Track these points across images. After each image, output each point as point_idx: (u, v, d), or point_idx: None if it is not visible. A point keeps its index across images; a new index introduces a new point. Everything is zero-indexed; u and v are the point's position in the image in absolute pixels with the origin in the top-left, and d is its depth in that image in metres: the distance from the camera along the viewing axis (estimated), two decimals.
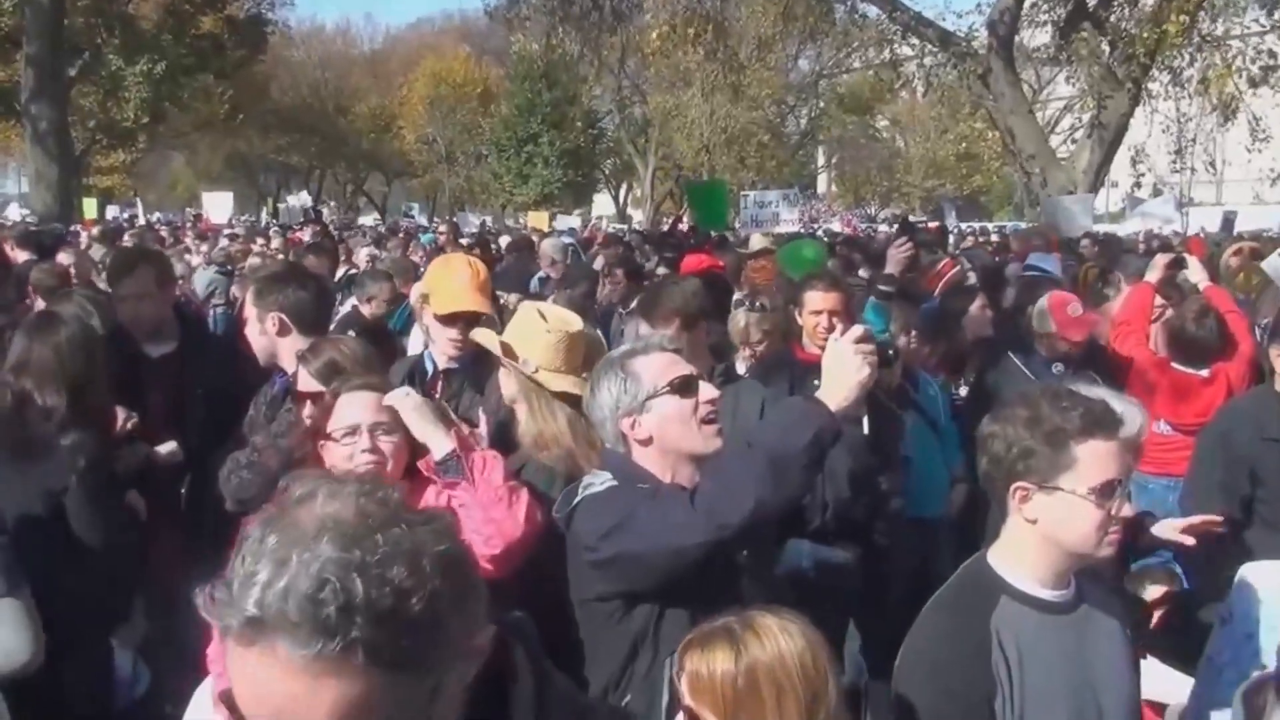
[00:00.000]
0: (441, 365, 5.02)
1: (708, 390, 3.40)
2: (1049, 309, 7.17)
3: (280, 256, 14.05)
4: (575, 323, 4.21)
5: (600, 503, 3.25)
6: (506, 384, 4.15)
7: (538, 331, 4.09)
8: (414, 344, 6.93)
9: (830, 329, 5.77)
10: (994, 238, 29.29)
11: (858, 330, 3.20)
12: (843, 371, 3.14)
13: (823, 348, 5.64)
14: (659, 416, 3.32)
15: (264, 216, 38.00)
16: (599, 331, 7.46)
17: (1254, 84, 26.93)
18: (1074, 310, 7.18)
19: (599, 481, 3.32)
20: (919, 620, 3.01)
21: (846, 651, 5.99)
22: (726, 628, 2.55)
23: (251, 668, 1.34)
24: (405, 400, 3.63)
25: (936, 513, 6.32)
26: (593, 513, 3.25)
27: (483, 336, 4.38)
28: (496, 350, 4.14)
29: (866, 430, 3.35)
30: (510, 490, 3.54)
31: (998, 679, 2.77)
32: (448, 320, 4.86)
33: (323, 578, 1.31)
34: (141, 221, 30.12)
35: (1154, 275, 7.43)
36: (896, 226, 8.40)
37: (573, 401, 3.90)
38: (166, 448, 4.69)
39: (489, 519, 3.44)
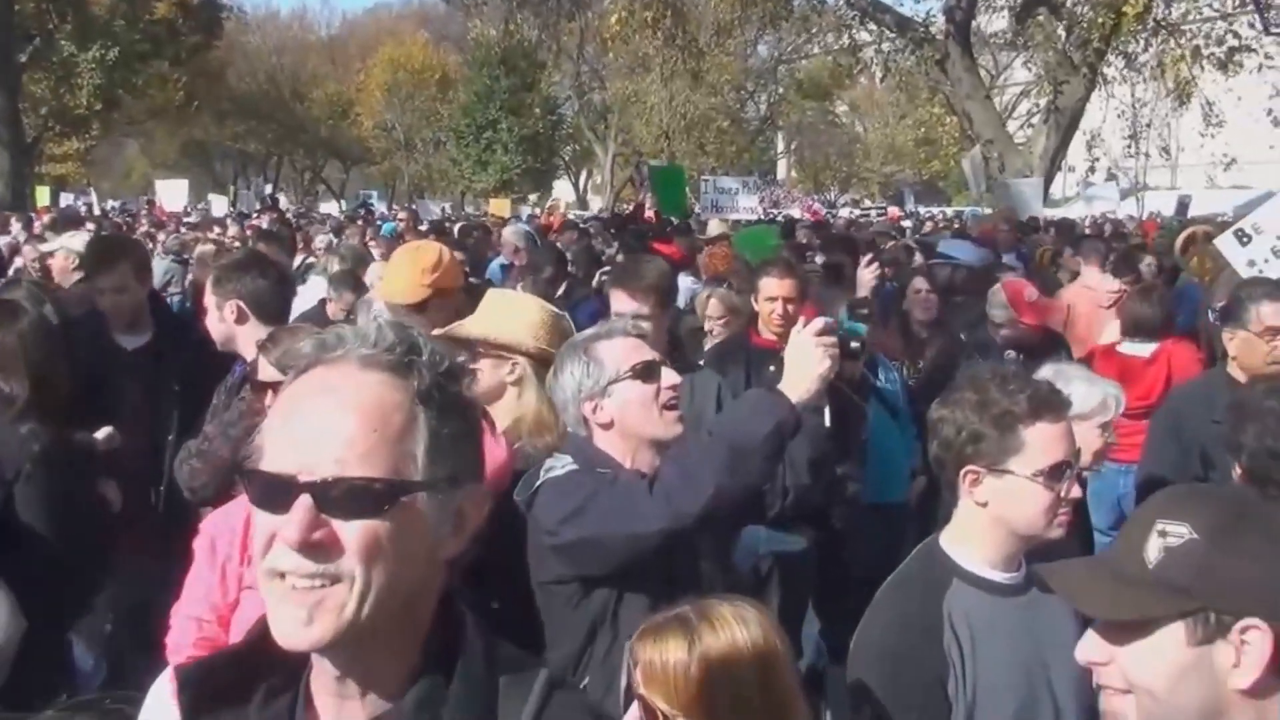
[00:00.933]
0: None
1: (670, 376, 3.42)
2: (1006, 297, 7.25)
3: (237, 245, 13.93)
4: (544, 302, 4.23)
5: (560, 487, 3.28)
6: (492, 377, 4.00)
7: (528, 312, 4.08)
8: None
9: (785, 316, 5.82)
10: (955, 224, 29.37)
11: (819, 323, 3.24)
12: (804, 363, 3.19)
13: (777, 334, 5.77)
14: (621, 401, 3.35)
15: (225, 204, 37.33)
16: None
17: (1222, 66, 27.16)
18: (1030, 295, 7.29)
19: (560, 465, 3.35)
20: (873, 603, 3.05)
21: (806, 635, 6.06)
22: (681, 616, 2.54)
23: (318, 379, 1.53)
24: None
25: (898, 498, 6.39)
26: (553, 497, 3.27)
27: (465, 330, 4.18)
28: (494, 336, 4.01)
29: (828, 421, 3.37)
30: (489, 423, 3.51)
31: (950, 660, 2.80)
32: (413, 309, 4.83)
33: (391, 333, 1.56)
34: (96, 210, 29.72)
35: None
36: (868, 257, 8.37)
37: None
38: (103, 433, 4.65)
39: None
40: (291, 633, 1.48)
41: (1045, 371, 3.75)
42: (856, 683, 2.92)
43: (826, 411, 3.34)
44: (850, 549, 5.80)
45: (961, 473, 2.90)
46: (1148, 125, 33.24)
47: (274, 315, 4.76)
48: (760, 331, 6.04)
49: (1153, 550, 1.78)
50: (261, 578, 1.51)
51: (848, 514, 5.89)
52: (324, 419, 1.48)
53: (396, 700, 1.55)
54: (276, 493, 1.47)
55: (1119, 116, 32.82)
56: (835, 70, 39.02)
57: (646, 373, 3.37)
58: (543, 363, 3.86)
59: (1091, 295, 9.34)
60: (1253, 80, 27.88)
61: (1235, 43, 27.51)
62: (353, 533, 1.47)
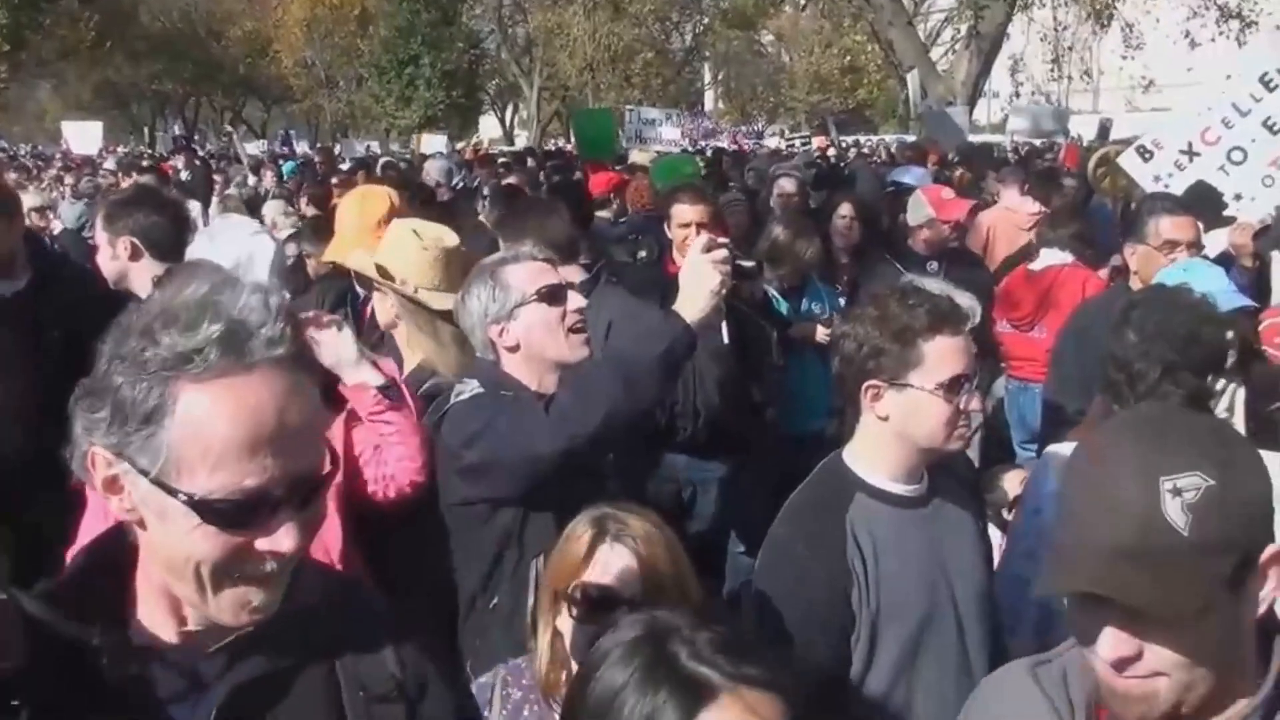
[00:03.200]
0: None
1: (575, 299, 3.46)
2: (924, 197, 7.41)
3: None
4: (451, 238, 4.18)
5: (464, 410, 3.33)
6: (383, 308, 4.11)
7: (414, 249, 4.04)
8: None
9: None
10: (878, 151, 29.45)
11: (704, 240, 3.25)
12: (696, 282, 3.20)
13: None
14: (526, 324, 3.39)
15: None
16: None
17: None
18: (947, 194, 7.46)
19: (467, 389, 3.39)
20: (778, 518, 3.08)
21: (731, 556, 6.12)
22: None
23: (255, 391, 1.50)
24: (339, 335, 3.52)
25: (815, 428, 6.34)
26: (457, 420, 3.33)
27: (355, 261, 4.29)
28: (372, 273, 4.07)
29: (726, 339, 3.37)
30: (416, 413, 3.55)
31: (853, 572, 2.84)
32: None
33: (284, 323, 1.55)
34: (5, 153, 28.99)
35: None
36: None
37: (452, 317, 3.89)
38: None
39: (421, 443, 3.44)
40: (245, 618, 1.56)
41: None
42: (761, 592, 2.96)
43: (724, 329, 3.33)
44: (768, 475, 5.83)
45: (863, 387, 2.91)
46: (1069, 49, 33.42)
47: (168, 252, 4.64)
48: (675, 259, 6.01)
49: (1176, 513, 1.57)
50: (211, 582, 1.53)
51: (765, 440, 5.91)
52: (282, 427, 1.51)
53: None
54: (249, 514, 1.49)
55: (1041, 40, 33.01)
56: None
57: (552, 296, 3.41)
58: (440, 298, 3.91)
59: (1011, 218, 9.46)
60: (1170, 3, 28.12)
61: None
62: (307, 519, 1.56)
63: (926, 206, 7.39)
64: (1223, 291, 4.02)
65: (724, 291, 3.21)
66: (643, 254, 6.94)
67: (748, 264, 3.35)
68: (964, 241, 8.58)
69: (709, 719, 1.57)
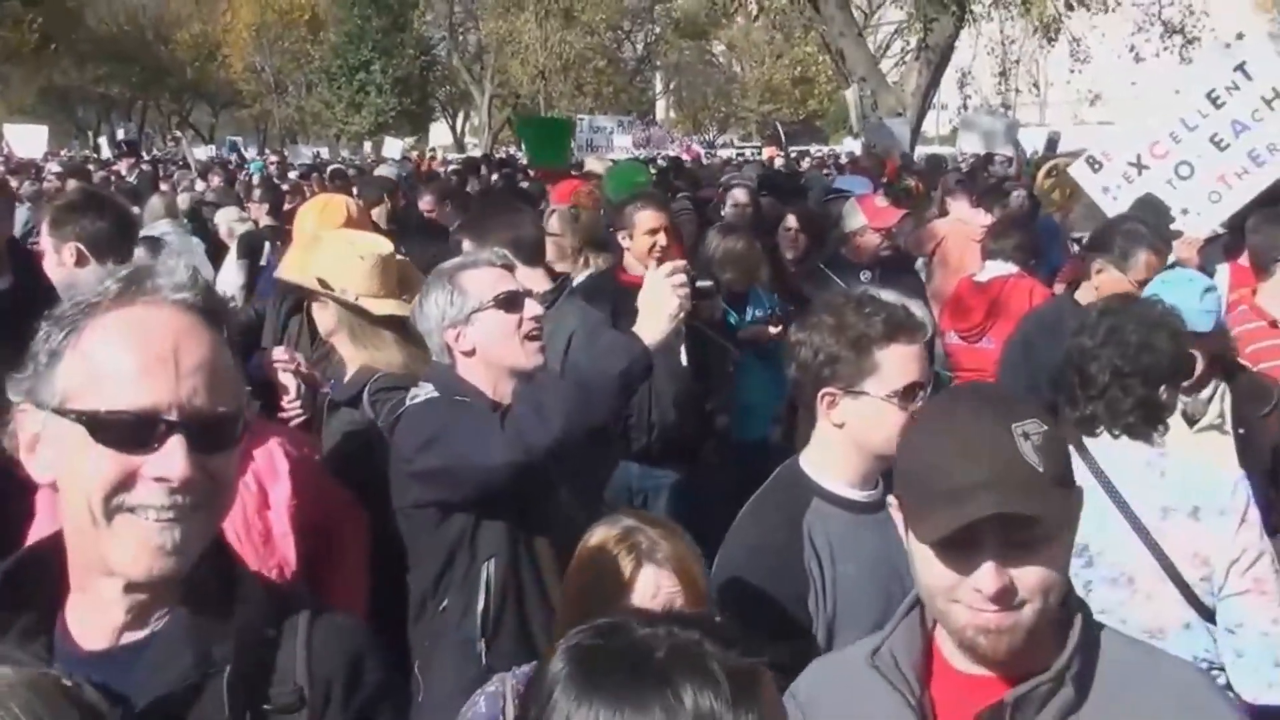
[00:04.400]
0: None
1: (533, 307, 3.48)
2: (857, 205, 7.58)
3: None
4: (386, 245, 4.21)
5: (418, 415, 3.34)
6: (323, 317, 4.12)
7: (350, 258, 4.06)
8: None
9: (666, 246, 5.82)
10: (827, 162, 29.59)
11: (669, 265, 3.29)
12: (657, 304, 3.23)
13: (659, 263, 5.74)
14: (483, 330, 3.40)
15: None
16: None
17: (1070, 6, 27.71)
18: (880, 202, 7.57)
19: (423, 393, 3.41)
20: (735, 523, 3.10)
21: None
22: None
23: (149, 317, 1.56)
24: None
25: (761, 435, 6.34)
26: (411, 425, 3.34)
27: (294, 275, 4.29)
28: (312, 285, 4.08)
29: (685, 361, 3.40)
30: None
31: (810, 576, 2.85)
32: None
33: (197, 277, 1.63)
34: None
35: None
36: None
37: (396, 324, 3.96)
38: None
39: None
40: (153, 564, 1.55)
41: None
42: (721, 599, 2.95)
43: (683, 351, 3.37)
44: (719, 482, 5.83)
45: (819, 395, 2.92)
46: (1016, 62, 33.81)
47: (115, 256, 4.57)
48: (628, 268, 6.01)
49: (1030, 453, 1.79)
50: (103, 513, 1.54)
51: (717, 448, 5.91)
52: (182, 358, 1.55)
53: (168, 619, 1.63)
54: (136, 431, 1.51)
55: (989, 54, 33.36)
56: (711, 9, 38.91)
57: (509, 303, 3.42)
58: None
59: (964, 229, 9.53)
60: (1116, 18, 28.52)
61: None
62: (216, 464, 1.57)
63: (860, 215, 7.50)
64: (1192, 310, 4.05)
65: (683, 315, 3.25)
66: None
67: (706, 285, 3.39)
68: (897, 249, 8.65)
69: (769, 700, 1.43)
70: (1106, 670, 1.89)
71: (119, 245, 4.66)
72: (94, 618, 1.62)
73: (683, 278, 3.25)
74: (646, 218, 5.94)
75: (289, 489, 3.23)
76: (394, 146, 32.35)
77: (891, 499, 2.01)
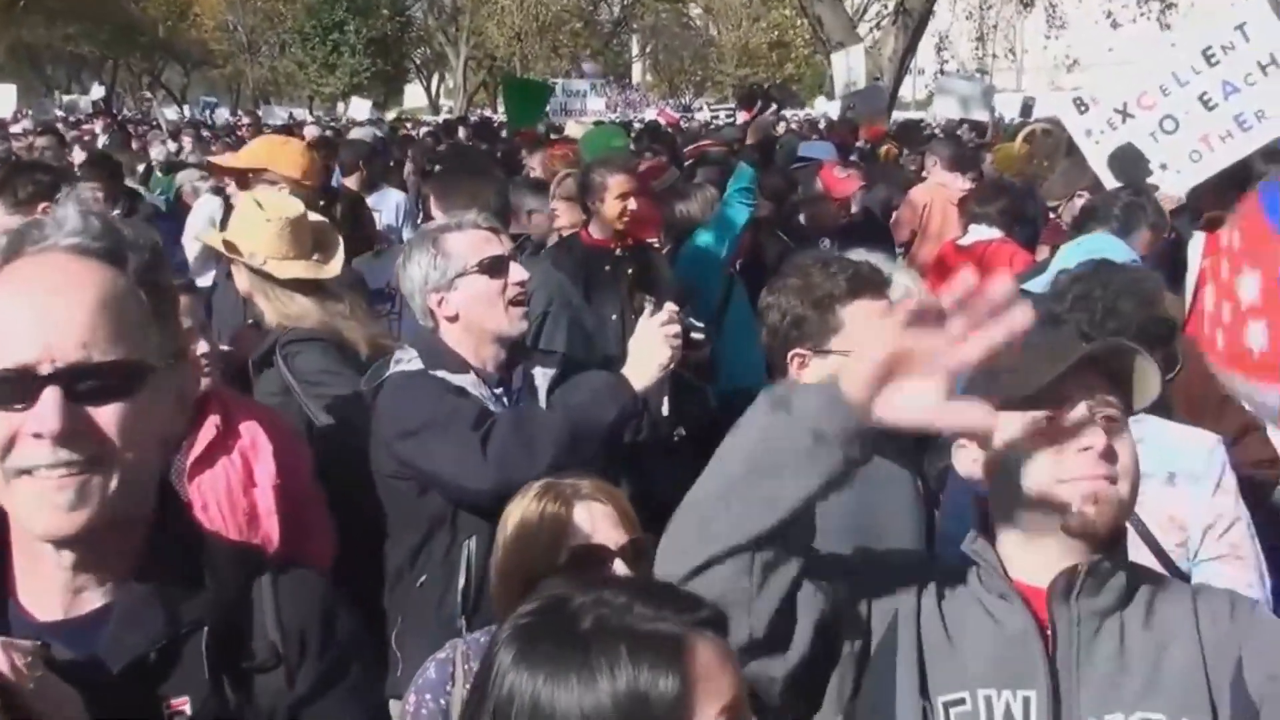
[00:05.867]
0: None
1: (518, 272, 3.42)
2: (819, 174, 7.66)
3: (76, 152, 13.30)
4: (295, 207, 4.23)
5: (403, 392, 3.30)
6: (238, 279, 4.15)
7: (258, 222, 4.09)
8: None
9: (627, 209, 5.77)
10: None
11: (663, 314, 3.26)
12: (648, 353, 3.23)
13: (626, 225, 5.70)
14: (466, 295, 3.36)
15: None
16: None
17: None
18: (840, 173, 7.59)
19: (406, 358, 3.37)
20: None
21: None
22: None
23: (31, 269, 1.52)
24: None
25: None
26: (395, 402, 3.31)
27: (208, 238, 4.42)
28: (220, 249, 4.16)
29: (666, 410, 3.40)
30: None
31: None
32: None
33: (96, 221, 1.58)
34: None
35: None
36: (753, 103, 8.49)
37: (307, 284, 4.00)
38: None
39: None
40: (54, 522, 1.49)
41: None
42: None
43: (666, 401, 3.37)
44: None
45: (789, 356, 2.90)
46: (994, 27, 33.77)
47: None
48: (592, 232, 5.94)
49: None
50: (3, 476, 1.49)
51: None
52: (57, 307, 1.48)
53: (127, 587, 1.58)
54: (14, 388, 1.45)
55: (967, 18, 33.34)
56: None
57: (494, 268, 3.37)
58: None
59: (945, 193, 9.48)
60: None
61: None
62: (108, 417, 1.49)
63: (818, 183, 7.58)
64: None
65: (672, 365, 3.26)
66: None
67: (699, 336, 3.35)
68: (867, 213, 8.64)
69: (699, 666, 1.40)
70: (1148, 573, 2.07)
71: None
72: (41, 586, 1.58)
73: (676, 328, 3.24)
74: (620, 182, 5.88)
75: (273, 468, 3.24)
76: (361, 107, 32.00)
77: (962, 440, 2.08)
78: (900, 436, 3.15)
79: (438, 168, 9.01)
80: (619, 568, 2.46)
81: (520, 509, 2.58)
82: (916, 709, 1.90)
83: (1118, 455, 1.93)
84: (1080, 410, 1.93)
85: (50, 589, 1.57)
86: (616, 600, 1.44)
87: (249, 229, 4.08)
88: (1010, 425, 1.93)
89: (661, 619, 1.42)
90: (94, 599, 1.58)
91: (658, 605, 1.44)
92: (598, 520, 2.51)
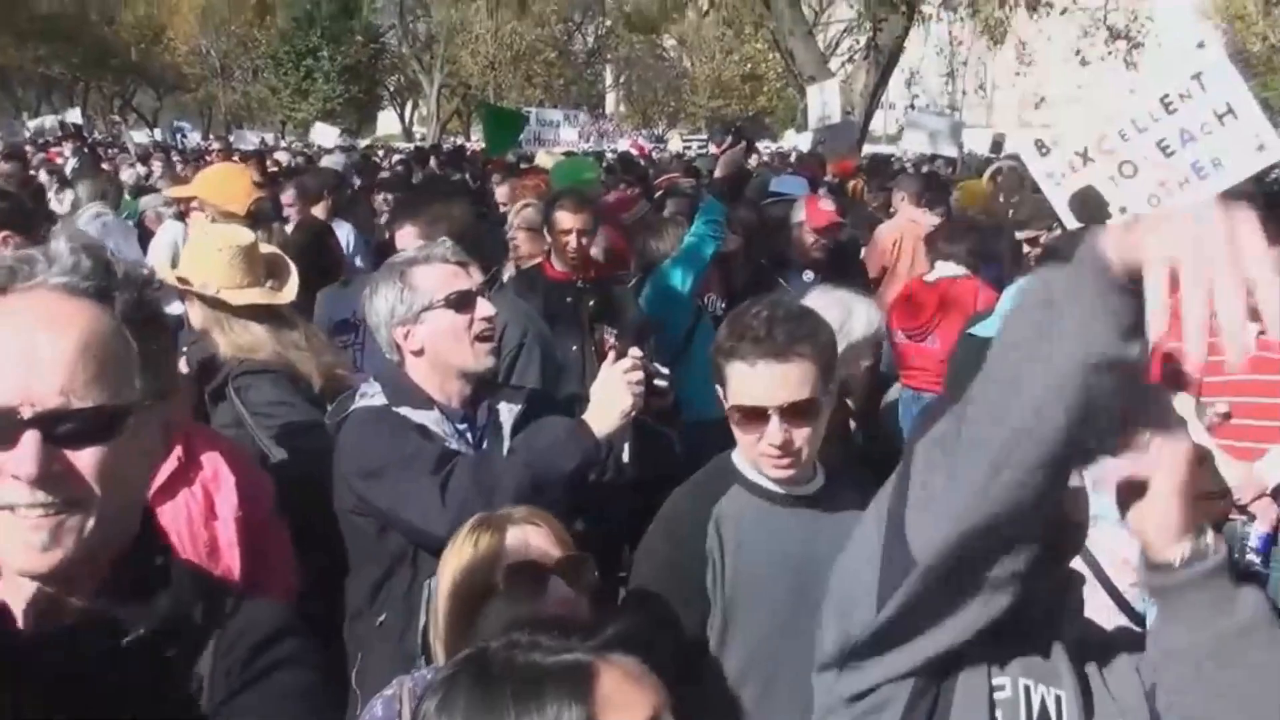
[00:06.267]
0: None
1: (485, 307, 3.37)
2: (801, 204, 7.71)
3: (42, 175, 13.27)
4: (245, 236, 4.23)
5: (367, 428, 3.26)
6: (193, 313, 4.13)
7: (209, 252, 4.09)
8: None
9: (579, 248, 5.82)
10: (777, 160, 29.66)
11: (627, 361, 3.22)
12: (610, 400, 3.19)
13: (572, 266, 5.73)
14: (432, 329, 3.32)
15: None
16: None
17: (1031, 8, 27.91)
18: (824, 205, 7.70)
19: (371, 393, 3.34)
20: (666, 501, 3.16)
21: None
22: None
23: (19, 306, 1.52)
24: None
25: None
26: (358, 438, 3.27)
27: (162, 274, 4.28)
28: (173, 283, 4.09)
29: (626, 457, 3.38)
30: None
31: (710, 557, 2.90)
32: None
33: (87, 258, 1.57)
34: None
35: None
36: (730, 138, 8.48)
37: (262, 312, 4.00)
38: None
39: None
40: (30, 561, 1.51)
41: (817, 299, 3.84)
42: (636, 562, 3.09)
43: (627, 448, 3.35)
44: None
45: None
46: (964, 63, 34.09)
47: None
48: (554, 264, 5.97)
49: None
50: None
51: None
52: (40, 348, 1.48)
53: (90, 610, 1.57)
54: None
55: (938, 54, 33.63)
56: (662, 4, 38.90)
57: (460, 302, 3.33)
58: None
59: (915, 229, 9.53)
60: (1062, 22, 28.78)
61: None
62: (87, 460, 1.50)
63: (800, 214, 7.61)
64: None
65: (634, 413, 3.21)
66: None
67: (663, 383, 3.32)
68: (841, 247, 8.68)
69: (605, 691, 1.46)
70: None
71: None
72: (16, 605, 1.56)
73: (640, 375, 3.20)
74: (562, 218, 5.91)
75: (235, 500, 3.21)
76: (327, 134, 31.69)
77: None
78: (863, 481, 3.20)
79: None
80: (557, 587, 2.46)
81: (457, 550, 2.59)
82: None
83: None
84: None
85: (15, 606, 1.55)
86: (524, 639, 1.52)
87: (200, 260, 4.08)
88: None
89: (568, 649, 1.49)
90: (56, 620, 1.57)
91: (564, 635, 1.51)
92: (532, 540, 2.53)
